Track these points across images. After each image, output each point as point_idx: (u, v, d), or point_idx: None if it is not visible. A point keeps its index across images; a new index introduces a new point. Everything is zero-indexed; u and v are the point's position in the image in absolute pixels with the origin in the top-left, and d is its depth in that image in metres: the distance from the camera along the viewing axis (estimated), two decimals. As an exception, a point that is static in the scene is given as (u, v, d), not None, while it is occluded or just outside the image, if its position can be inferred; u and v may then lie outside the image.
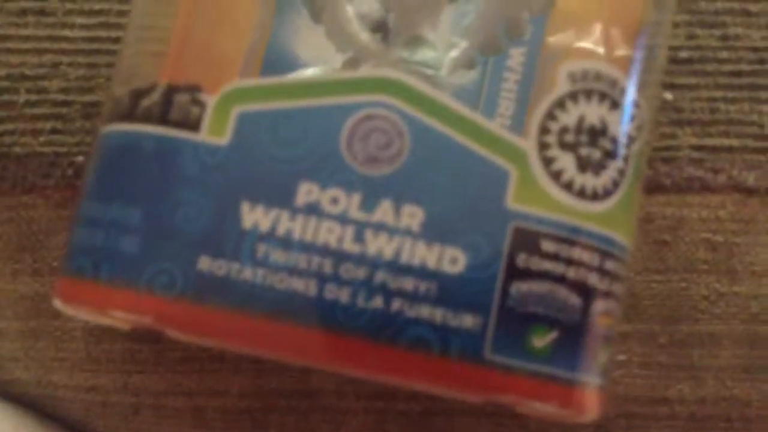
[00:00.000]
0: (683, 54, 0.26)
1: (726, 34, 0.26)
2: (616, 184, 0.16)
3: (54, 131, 0.25)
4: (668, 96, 0.26)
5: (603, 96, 0.16)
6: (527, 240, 0.16)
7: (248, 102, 0.16)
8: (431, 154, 0.15)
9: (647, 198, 0.25)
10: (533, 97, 0.24)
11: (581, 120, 0.16)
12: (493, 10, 0.21)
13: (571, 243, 0.16)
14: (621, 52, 0.24)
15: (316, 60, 0.23)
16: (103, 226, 0.16)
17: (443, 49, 0.20)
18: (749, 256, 0.25)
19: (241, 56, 0.24)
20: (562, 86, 0.16)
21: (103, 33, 0.25)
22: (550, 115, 0.16)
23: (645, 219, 0.25)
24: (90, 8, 0.26)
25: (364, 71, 0.17)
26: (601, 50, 0.24)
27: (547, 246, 0.16)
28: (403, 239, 0.15)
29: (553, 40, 0.25)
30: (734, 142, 0.25)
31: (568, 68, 0.17)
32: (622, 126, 0.16)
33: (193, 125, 0.16)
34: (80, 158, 0.25)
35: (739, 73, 0.26)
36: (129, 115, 0.17)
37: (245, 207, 0.16)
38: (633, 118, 0.17)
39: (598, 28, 0.25)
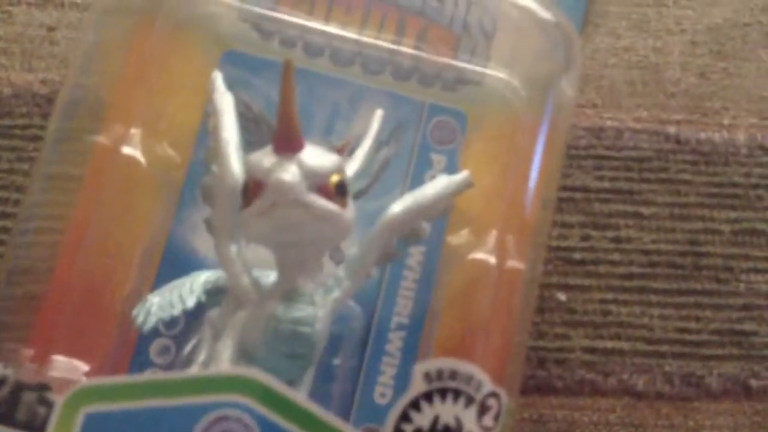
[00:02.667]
0: (576, 255, 0.26)
1: (618, 236, 0.27)
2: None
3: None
4: (562, 297, 0.26)
5: (458, 393, 0.17)
6: None
7: (96, 402, 0.16)
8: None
9: (540, 400, 0.25)
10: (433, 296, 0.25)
11: (436, 420, 0.16)
12: (381, 238, 0.21)
13: None
14: (513, 263, 0.25)
15: (216, 259, 0.23)
16: None
17: (322, 296, 0.20)
18: (637, 461, 0.25)
19: (138, 251, 0.24)
20: (417, 387, 0.17)
21: (-2, 222, 0.25)
22: (405, 417, 0.16)
23: (537, 420, 0.25)
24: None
25: (222, 369, 0.17)
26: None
27: None
28: None
29: (453, 239, 0.26)
30: (625, 345, 0.26)
31: (423, 369, 0.17)
32: (478, 421, 0.16)
33: (39, 427, 0.16)
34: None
35: (630, 276, 0.26)
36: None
37: None
38: (489, 410, 0.17)
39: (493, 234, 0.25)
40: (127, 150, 0.24)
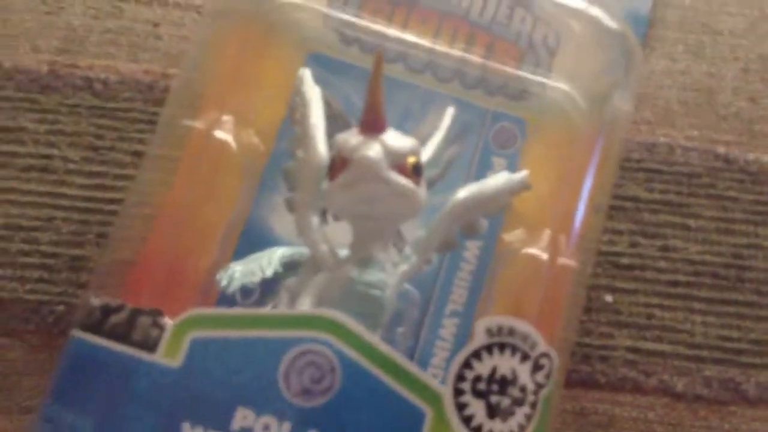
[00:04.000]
0: (624, 260, 0.28)
1: (666, 245, 0.28)
2: (522, 429, 0.18)
3: (40, 280, 0.27)
4: (608, 298, 0.28)
5: (515, 349, 0.18)
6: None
7: (201, 329, 0.18)
8: (359, 391, 0.17)
9: (583, 393, 0.27)
10: (486, 286, 0.26)
11: (494, 370, 0.18)
12: (447, 221, 0.23)
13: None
14: (564, 260, 0.27)
15: (289, 239, 0.25)
16: (60, 429, 0.18)
17: (392, 268, 0.22)
18: (673, 458, 0.27)
19: (222, 227, 0.27)
20: (479, 339, 0.18)
21: (98, 194, 0.28)
22: (467, 365, 0.18)
23: (580, 413, 0.27)
24: (90, 170, 0.28)
25: (307, 309, 0.19)
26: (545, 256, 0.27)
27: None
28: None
29: (507, 237, 0.27)
30: (667, 348, 0.27)
31: (485, 324, 0.19)
32: (531, 376, 0.18)
33: (151, 347, 0.18)
34: (61, 307, 0.27)
35: (675, 283, 0.28)
36: (98, 329, 0.19)
37: (186, 427, 0.17)
38: (542, 368, 0.19)
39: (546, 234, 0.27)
40: (219, 134, 0.27)
